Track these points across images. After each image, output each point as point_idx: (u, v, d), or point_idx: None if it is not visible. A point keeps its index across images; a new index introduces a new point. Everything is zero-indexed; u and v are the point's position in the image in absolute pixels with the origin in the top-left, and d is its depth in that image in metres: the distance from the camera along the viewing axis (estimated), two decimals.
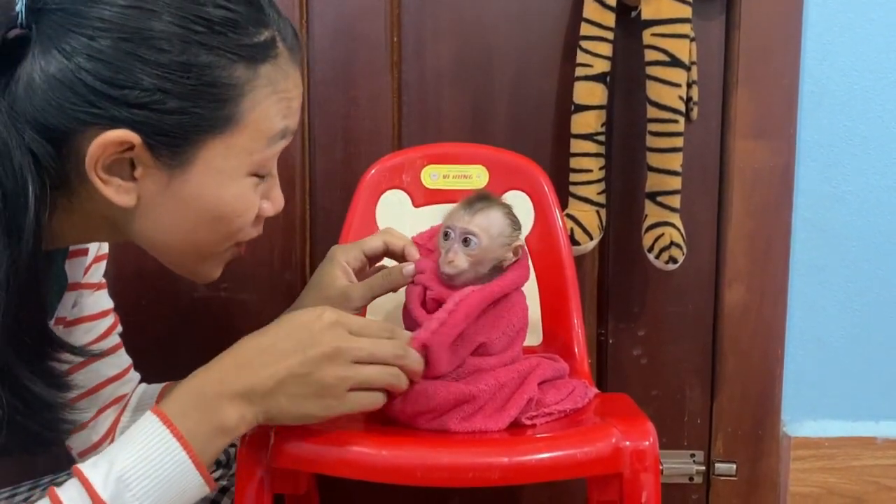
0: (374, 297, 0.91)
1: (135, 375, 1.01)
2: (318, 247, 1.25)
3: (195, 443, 0.72)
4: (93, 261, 0.93)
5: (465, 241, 0.87)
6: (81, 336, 0.94)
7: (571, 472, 0.79)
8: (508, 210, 0.91)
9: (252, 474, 0.81)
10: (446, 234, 0.88)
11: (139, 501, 0.69)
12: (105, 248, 0.96)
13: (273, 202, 0.81)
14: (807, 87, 1.22)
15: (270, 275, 1.25)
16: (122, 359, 0.99)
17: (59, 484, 0.71)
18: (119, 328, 0.99)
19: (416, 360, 0.80)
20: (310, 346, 0.74)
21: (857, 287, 1.27)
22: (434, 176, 1.09)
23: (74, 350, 0.82)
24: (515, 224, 0.90)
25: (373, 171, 1.09)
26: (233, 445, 1.02)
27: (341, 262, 0.91)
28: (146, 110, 0.69)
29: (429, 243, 0.95)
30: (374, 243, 0.93)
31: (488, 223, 0.87)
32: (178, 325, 1.26)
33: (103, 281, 0.97)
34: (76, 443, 0.97)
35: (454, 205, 0.90)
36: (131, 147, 0.70)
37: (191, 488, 0.72)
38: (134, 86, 0.69)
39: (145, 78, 0.69)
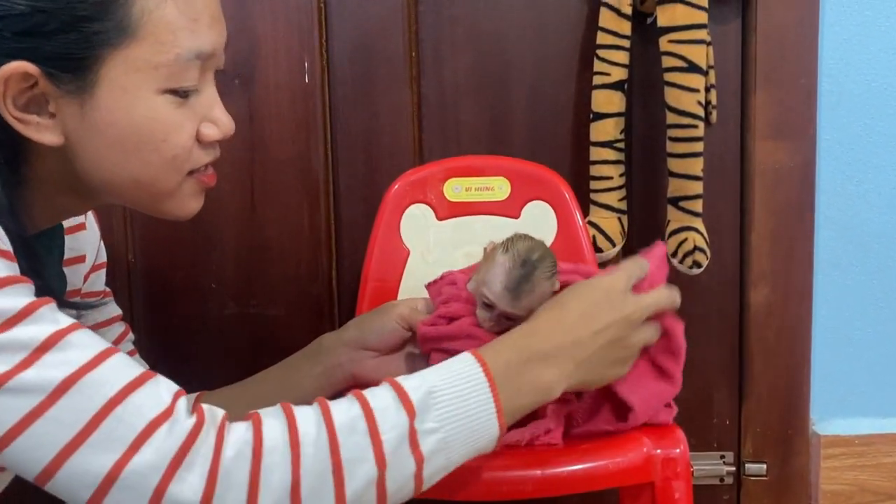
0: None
1: None
2: (343, 261, 1.26)
3: (506, 391, 0.72)
4: (91, 269, 0.93)
5: (507, 317, 0.85)
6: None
7: (604, 483, 0.80)
8: (551, 265, 0.85)
9: None
10: (487, 306, 0.85)
11: (438, 423, 0.69)
12: (102, 256, 0.95)
13: (217, 124, 0.76)
14: (825, 86, 1.22)
15: (298, 289, 1.27)
16: (139, 360, 1.00)
17: None
18: (131, 336, 0.99)
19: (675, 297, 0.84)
20: (619, 311, 0.78)
21: (881, 283, 1.27)
22: (457, 189, 1.11)
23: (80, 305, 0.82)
24: (555, 274, 0.86)
25: (396, 186, 1.11)
26: None
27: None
28: (31, 37, 0.66)
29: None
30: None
31: (531, 303, 0.83)
32: (208, 342, 1.28)
33: (107, 290, 0.97)
34: None
35: (496, 267, 0.83)
36: (35, 82, 0.68)
37: (484, 437, 0.71)
38: (10, 13, 0.66)
39: (19, 3, 0.66)
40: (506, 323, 0.86)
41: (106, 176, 0.73)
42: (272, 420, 0.67)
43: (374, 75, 1.23)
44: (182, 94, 0.73)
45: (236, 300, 1.27)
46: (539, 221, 1.08)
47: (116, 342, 0.96)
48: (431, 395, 0.69)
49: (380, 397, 0.69)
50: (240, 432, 0.65)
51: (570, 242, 1.07)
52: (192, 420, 0.64)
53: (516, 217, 1.09)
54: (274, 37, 1.22)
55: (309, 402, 0.89)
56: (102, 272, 0.95)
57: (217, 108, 0.77)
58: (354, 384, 0.99)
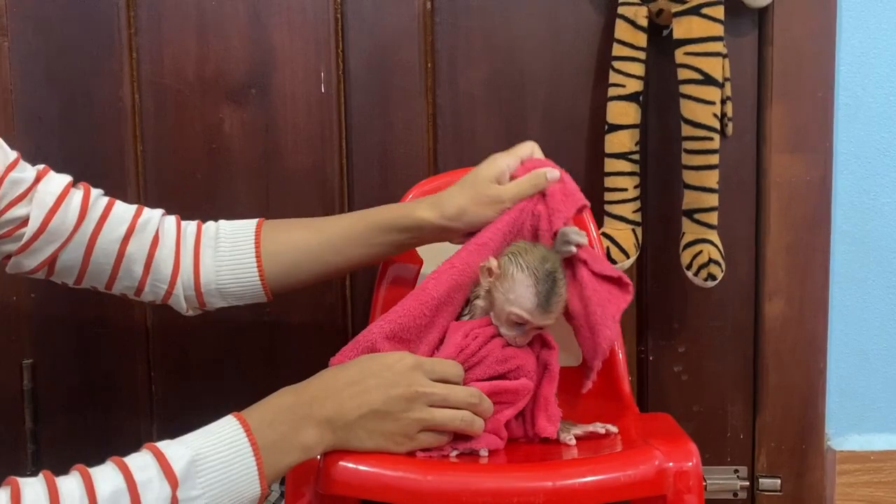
0: (521, 198, 0.93)
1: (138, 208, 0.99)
2: (357, 271, 1.26)
3: (269, 454, 0.75)
4: (3, 175, 0.90)
5: (539, 327, 0.87)
6: (71, 214, 0.93)
7: (615, 495, 0.79)
8: (563, 268, 0.87)
9: (300, 499, 0.83)
10: (517, 324, 0.86)
11: (202, 490, 0.72)
12: (8, 155, 0.92)
13: None
14: (842, 99, 1.22)
15: (312, 299, 1.27)
16: (125, 207, 0.98)
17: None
18: (96, 191, 0.97)
19: (489, 408, 0.85)
20: (392, 387, 0.80)
21: None
22: None
23: None
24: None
25: (410, 196, 1.11)
26: None
27: (500, 167, 0.95)
28: None
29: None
30: (524, 152, 0.96)
31: (559, 311, 0.86)
32: (223, 350, 1.28)
33: (39, 169, 0.94)
34: None
35: (519, 286, 0.85)
36: None
37: (246, 498, 0.75)
38: None
39: None
40: (535, 332, 0.86)
41: None
42: (34, 489, 0.67)
43: (389, 86, 1.24)
44: None
45: (250, 309, 1.27)
46: None
47: (84, 205, 0.94)
48: (194, 463, 0.72)
49: (143, 469, 0.71)
50: None
51: None
52: None
53: None
54: (291, 47, 1.23)
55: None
56: (19, 167, 0.92)
57: None
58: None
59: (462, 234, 0.95)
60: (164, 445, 0.73)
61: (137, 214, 0.98)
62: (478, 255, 0.91)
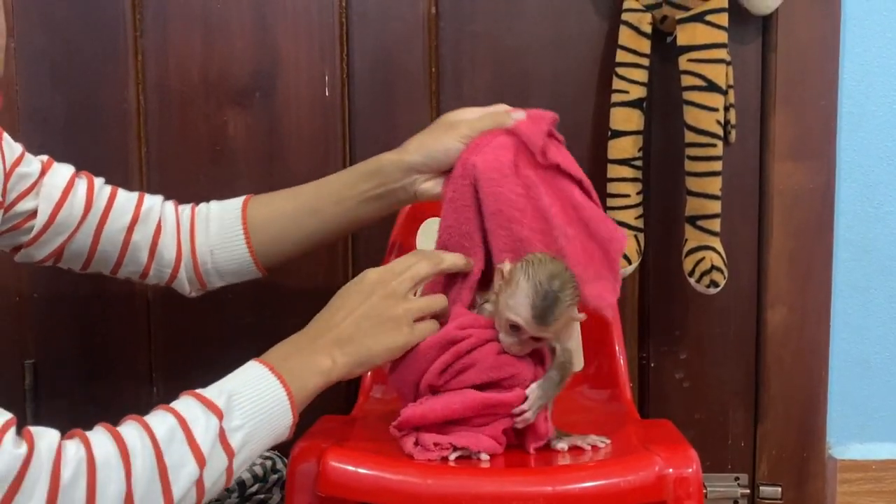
0: (481, 128, 0.93)
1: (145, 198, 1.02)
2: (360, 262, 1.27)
3: (292, 381, 0.81)
4: (9, 172, 0.92)
5: (535, 339, 0.85)
6: (77, 205, 0.96)
7: (615, 501, 0.79)
8: (572, 290, 0.84)
9: (300, 501, 0.83)
10: (514, 329, 0.84)
11: (243, 420, 0.77)
12: (14, 151, 0.94)
13: None
14: (845, 107, 1.22)
15: (314, 302, 1.25)
16: (127, 196, 1.01)
17: None
18: (99, 180, 1.00)
19: (454, 260, 0.89)
20: (370, 295, 0.86)
21: None
22: None
23: None
24: (576, 298, 0.85)
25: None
26: (275, 470, 1.05)
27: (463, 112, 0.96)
28: None
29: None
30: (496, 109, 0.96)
31: (558, 326, 0.84)
32: (223, 351, 1.27)
33: (44, 161, 0.97)
34: None
35: (519, 295, 0.83)
36: None
37: (281, 425, 0.80)
38: None
39: None
40: (534, 344, 0.85)
41: None
42: (99, 436, 0.72)
43: (393, 90, 1.24)
44: None
45: (252, 311, 1.27)
46: None
47: (90, 197, 0.97)
48: (232, 397, 0.78)
49: (189, 408, 0.76)
50: (72, 451, 0.69)
51: None
52: (22, 449, 0.66)
53: None
54: (295, 50, 1.23)
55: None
56: (25, 161, 0.94)
57: None
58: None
59: (426, 171, 0.95)
60: (201, 390, 0.78)
61: (140, 202, 1.01)
62: (451, 212, 0.91)
